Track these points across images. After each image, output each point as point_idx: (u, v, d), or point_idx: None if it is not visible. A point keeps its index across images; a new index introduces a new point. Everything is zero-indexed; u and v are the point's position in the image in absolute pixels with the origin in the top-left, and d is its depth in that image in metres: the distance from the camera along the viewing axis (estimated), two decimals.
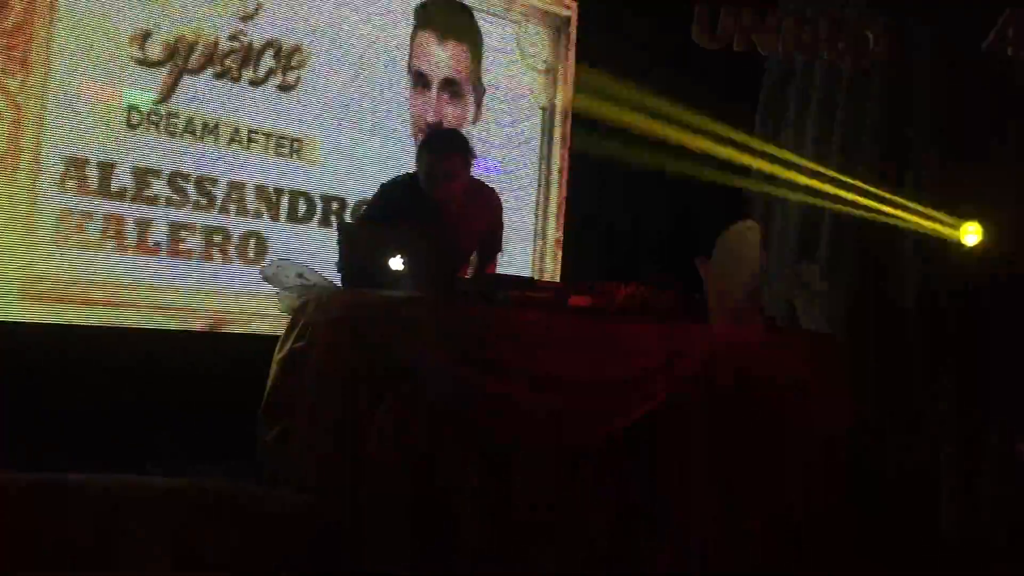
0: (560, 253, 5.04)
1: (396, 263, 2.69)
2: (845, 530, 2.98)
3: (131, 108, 3.79)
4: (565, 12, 5.11)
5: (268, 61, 4.18)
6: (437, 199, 3.24)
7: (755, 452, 2.80)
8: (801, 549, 2.84)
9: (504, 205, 3.72)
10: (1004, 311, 3.94)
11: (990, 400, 3.81)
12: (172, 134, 3.90)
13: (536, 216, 5.01)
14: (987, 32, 3.99)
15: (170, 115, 3.89)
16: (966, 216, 4.14)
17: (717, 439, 2.76)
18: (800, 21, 3.70)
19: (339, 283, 2.83)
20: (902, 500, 3.63)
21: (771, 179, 4.62)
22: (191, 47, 3.95)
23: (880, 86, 4.06)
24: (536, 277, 4.88)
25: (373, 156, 4.41)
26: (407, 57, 4.57)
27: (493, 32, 4.86)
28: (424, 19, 4.61)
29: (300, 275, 2.68)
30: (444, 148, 3.31)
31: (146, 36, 3.83)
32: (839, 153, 4.13)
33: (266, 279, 2.74)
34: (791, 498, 2.84)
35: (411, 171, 3.41)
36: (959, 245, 4.12)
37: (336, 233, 3.02)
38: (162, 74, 3.87)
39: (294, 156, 4.22)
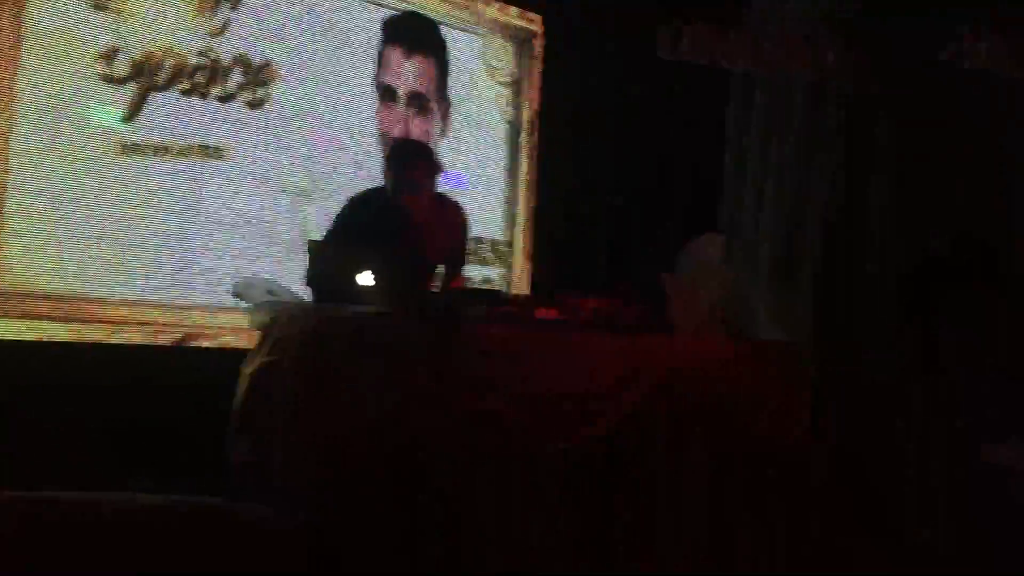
0: (529, 265, 5.08)
1: (365, 278, 2.72)
2: (807, 538, 3.03)
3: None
4: (530, 26, 5.17)
5: (237, 77, 4.20)
6: (404, 208, 3.28)
7: (716, 463, 2.85)
8: (762, 558, 2.90)
9: (472, 218, 3.77)
10: (964, 318, 4.03)
11: (955, 406, 3.88)
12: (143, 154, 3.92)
13: (504, 228, 5.06)
14: (943, 47, 4.09)
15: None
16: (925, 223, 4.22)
17: (679, 451, 2.81)
18: (760, 38, 3.78)
19: (309, 299, 2.86)
20: (866, 509, 3.68)
21: (739, 189, 4.69)
22: (159, 64, 3.95)
23: (838, 99, 4.14)
24: (505, 289, 4.94)
25: (341, 171, 4.44)
26: (374, 71, 4.61)
27: (459, 46, 4.91)
28: (391, 33, 4.64)
29: (270, 291, 2.71)
30: (410, 159, 3.36)
31: (113, 53, 3.83)
32: (799, 164, 4.21)
33: (236, 295, 2.77)
34: (752, 509, 2.89)
35: (379, 185, 3.45)
36: (921, 250, 4.20)
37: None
38: (129, 91, 3.87)
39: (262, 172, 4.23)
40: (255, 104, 4.25)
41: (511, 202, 5.08)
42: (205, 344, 3.99)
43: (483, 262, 4.87)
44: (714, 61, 3.80)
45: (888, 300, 3.93)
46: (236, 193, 4.16)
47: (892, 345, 3.86)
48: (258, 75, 4.26)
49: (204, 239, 4.03)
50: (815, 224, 4.12)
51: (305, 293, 2.88)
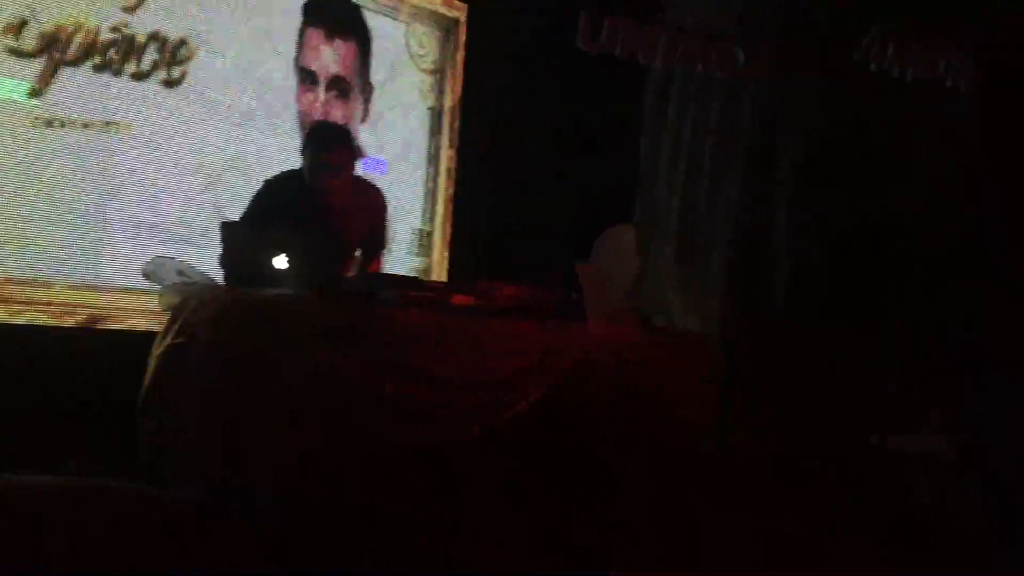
0: (447, 253, 5.10)
1: (280, 261, 2.70)
2: (714, 526, 3.11)
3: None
4: (454, 13, 5.17)
5: (152, 54, 4.11)
6: (321, 191, 3.26)
7: (628, 448, 2.92)
8: (672, 542, 2.97)
9: (392, 204, 3.76)
10: (873, 306, 4.19)
11: (866, 398, 4.02)
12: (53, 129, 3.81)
13: (424, 216, 5.06)
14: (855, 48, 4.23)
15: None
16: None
17: (592, 435, 2.86)
18: (677, 34, 3.86)
19: (221, 281, 2.83)
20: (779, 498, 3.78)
21: (655, 180, 4.77)
22: (70, 37, 3.85)
23: (752, 96, 4.26)
24: (424, 276, 4.94)
25: (259, 153, 4.38)
26: (295, 53, 4.56)
27: (382, 31, 4.88)
28: (312, 15, 4.59)
29: (180, 272, 2.67)
30: (328, 142, 3.34)
31: (22, 25, 3.71)
32: (713, 157, 4.31)
33: (146, 276, 2.72)
34: (664, 494, 2.96)
35: (297, 168, 3.41)
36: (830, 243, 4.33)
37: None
38: (39, 65, 3.76)
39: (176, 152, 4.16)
40: (171, 83, 4.16)
41: (432, 189, 5.09)
42: (114, 326, 3.91)
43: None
44: (632, 54, 3.86)
45: (798, 291, 4.05)
46: (150, 173, 4.08)
47: (801, 335, 3.98)
48: (175, 53, 4.17)
49: (115, 219, 3.95)
50: (728, 215, 4.22)
51: (218, 275, 2.85)
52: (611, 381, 2.87)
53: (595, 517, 2.79)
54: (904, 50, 4.07)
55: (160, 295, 2.68)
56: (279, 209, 3.24)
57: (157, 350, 2.63)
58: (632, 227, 3.11)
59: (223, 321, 2.50)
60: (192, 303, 2.59)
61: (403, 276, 3.44)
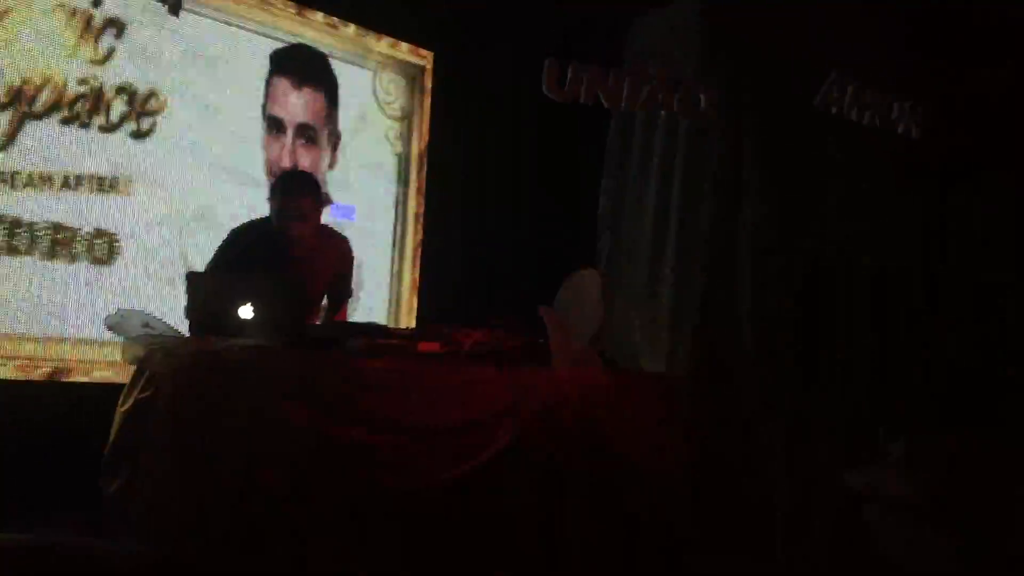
0: (416, 297, 5.11)
1: (245, 311, 2.70)
2: (686, 567, 3.12)
3: None
4: (420, 61, 5.23)
5: (121, 107, 4.12)
6: (287, 239, 3.27)
7: (598, 492, 2.92)
8: None
9: (360, 250, 3.78)
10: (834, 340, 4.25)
11: (821, 432, 4.06)
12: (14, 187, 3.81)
13: (392, 260, 5.08)
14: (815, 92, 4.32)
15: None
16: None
17: (560, 480, 2.87)
18: (641, 79, 3.92)
19: (187, 332, 2.83)
20: (741, 537, 3.80)
21: (617, 224, 4.81)
22: (37, 91, 3.86)
23: (716, 140, 4.33)
24: (392, 321, 4.96)
25: (226, 202, 4.39)
26: (262, 102, 4.59)
27: (349, 79, 4.93)
28: (280, 65, 4.65)
29: (145, 324, 2.67)
30: (295, 189, 3.36)
31: None
32: (680, 198, 4.37)
33: (110, 328, 2.71)
34: (632, 535, 2.97)
35: (264, 216, 3.43)
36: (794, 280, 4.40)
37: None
38: (4, 119, 3.77)
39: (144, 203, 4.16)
40: (140, 135, 4.17)
41: (399, 235, 5.11)
42: (79, 379, 3.89)
43: None
44: (597, 100, 3.92)
45: (761, 333, 4.10)
46: (118, 224, 4.08)
47: (763, 376, 4.02)
48: (144, 105, 4.19)
49: (81, 270, 3.94)
50: (692, 259, 4.27)
51: (184, 326, 2.84)
52: (578, 424, 2.88)
53: (568, 561, 2.79)
54: (861, 95, 4.17)
55: (124, 347, 2.67)
56: (245, 257, 3.26)
57: (123, 407, 2.62)
58: (597, 271, 3.14)
59: (187, 374, 2.49)
60: (157, 355, 2.58)
61: (369, 324, 3.44)
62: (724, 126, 4.26)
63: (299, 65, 4.73)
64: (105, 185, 4.05)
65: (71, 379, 3.89)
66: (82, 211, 3.98)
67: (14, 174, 3.81)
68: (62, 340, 3.88)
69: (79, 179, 3.98)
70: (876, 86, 4.20)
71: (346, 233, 3.78)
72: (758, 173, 4.41)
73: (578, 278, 3.10)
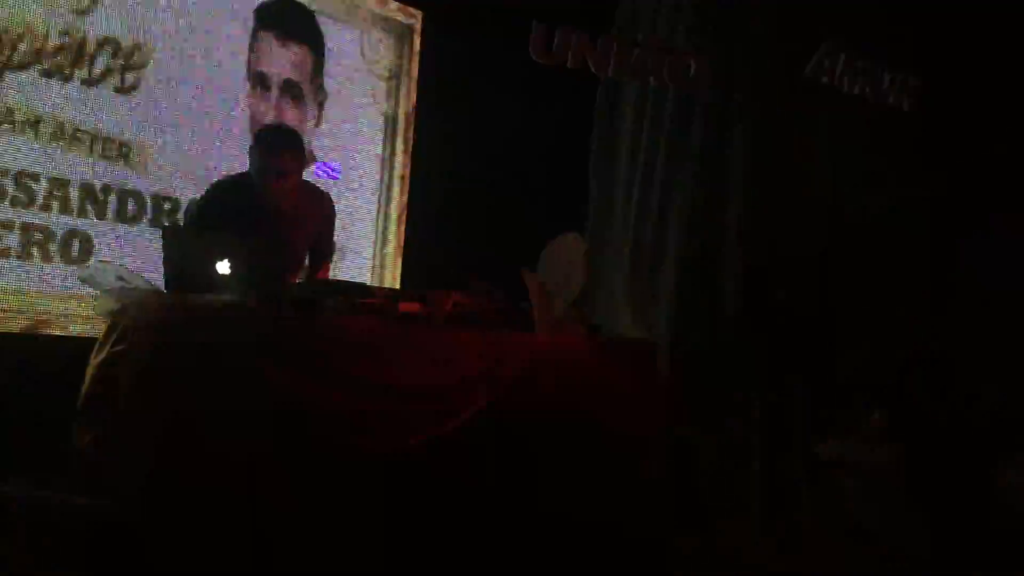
0: (400, 259, 5.08)
1: (223, 267, 2.67)
2: (659, 532, 3.14)
3: None
4: (409, 20, 5.16)
5: (105, 60, 4.05)
6: (268, 195, 3.22)
7: (574, 455, 2.92)
8: (617, 551, 2.98)
9: (345, 210, 3.73)
10: (813, 316, 4.25)
11: (797, 405, 4.07)
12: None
13: (377, 222, 5.04)
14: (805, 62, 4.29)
15: None
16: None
17: (538, 443, 2.87)
18: (629, 45, 3.88)
19: (163, 287, 2.79)
20: (720, 507, 3.82)
21: (607, 189, 4.80)
22: (16, 41, 3.78)
23: (703, 110, 4.30)
24: (376, 283, 4.92)
25: (209, 158, 4.33)
26: (247, 57, 4.52)
27: (336, 37, 4.86)
28: (265, 20, 4.56)
29: (120, 277, 2.63)
30: (277, 144, 3.29)
31: None
32: (664, 170, 4.35)
33: (84, 281, 2.68)
34: (607, 501, 2.97)
35: (245, 171, 3.37)
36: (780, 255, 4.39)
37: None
38: None
39: (122, 159, 4.10)
40: (124, 90, 4.10)
41: (385, 196, 5.07)
42: (56, 332, 3.85)
43: None
44: (584, 65, 3.89)
45: (742, 303, 4.10)
46: (100, 177, 4.03)
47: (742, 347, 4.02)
48: (129, 58, 4.12)
49: (62, 223, 3.89)
50: (677, 226, 4.26)
51: (161, 280, 2.81)
52: (556, 389, 2.87)
53: (542, 527, 2.79)
54: (852, 65, 4.14)
55: (97, 300, 2.64)
56: (225, 213, 3.21)
57: (96, 358, 2.59)
58: (579, 237, 3.11)
59: (161, 328, 2.46)
60: (131, 309, 2.55)
61: (350, 282, 3.41)
62: (713, 96, 4.24)
63: (285, 20, 4.64)
64: (83, 137, 3.98)
65: (48, 332, 3.85)
66: (63, 163, 3.91)
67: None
68: (41, 293, 3.84)
69: (63, 129, 3.92)
70: (869, 57, 4.17)
71: (331, 192, 3.73)
72: (746, 138, 4.40)
73: (560, 242, 3.08)
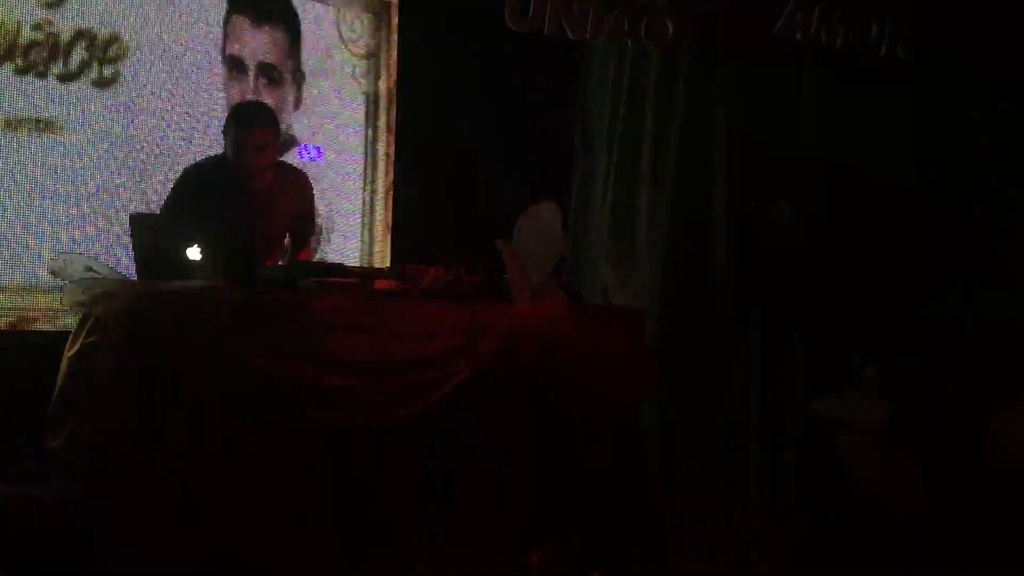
0: (389, 238, 5.05)
1: (193, 252, 2.64)
2: (647, 499, 3.11)
3: None
4: None
5: (81, 53, 4.00)
6: (243, 175, 3.18)
7: (558, 423, 2.90)
8: (604, 519, 2.96)
9: (331, 191, 3.68)
10: (804, 280, 4.20)
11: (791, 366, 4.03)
12: None
13: (363, 202, 5.00)
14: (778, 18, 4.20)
15: None
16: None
17: (521, 411, 2.85)
18: (605, 8, 3.82)
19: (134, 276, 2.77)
20: (713, 469, 3.80)
21: (590, 160, 4.75)
22: None
23: (685, 72, 4.23)
24: (365, 262, 4.89)
25: (191, 147, 4.29)
26: (221, 42, 4.47)
27: (312, 16, 4.79)
28: (237, 2, 4.50)
29: (88, 268, 2.61)
30: (252, 121, 3.25)
31: None
32: (649, 138, 4.29)
33: (53, 273, 2.66)
34: (592, 467, 2.95)
35: (220, 153, 3.33)
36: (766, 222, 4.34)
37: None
38: None
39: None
40: (103, 83, 4.06)
41: (370, 176, 5.02)
42: (43, 327, 3.84)
43: None
44: (561, 30, 3.83)
45: (729, 269, 4.05)
46: (78, 170, 4.00)
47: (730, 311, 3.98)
48: (106, 51, 4.07)
49: (41, 217, 3.87)
50: (665, 189, 4.21)
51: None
52: (537, 359, 2.84)
53: (521, 499, 2.77)
54: (830, 15, 4.04)
55: (64, 292, 2.61)
56: (201, 195, 3.17)
57: (69, 351, 2.58)
58: (555, 204, 3.07)
59: (132, 316, 2.44)
60: (101, 299, 2.53)
61: (325, 263, 3.39)
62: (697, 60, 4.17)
63: (258, 2, 4.58)
64: (66, 130, 3.94)
65: (35, 327, 3.84)
66: (42, 157, 3.88)
67: None
68: (26, 288, 3.83)
69: (39, 123, 3.89)
70: (850, 4, 4.07)
71: (315, 175, 3.68)
72: (729, 101, 4.33)
73: (537, 210, 3.03)
